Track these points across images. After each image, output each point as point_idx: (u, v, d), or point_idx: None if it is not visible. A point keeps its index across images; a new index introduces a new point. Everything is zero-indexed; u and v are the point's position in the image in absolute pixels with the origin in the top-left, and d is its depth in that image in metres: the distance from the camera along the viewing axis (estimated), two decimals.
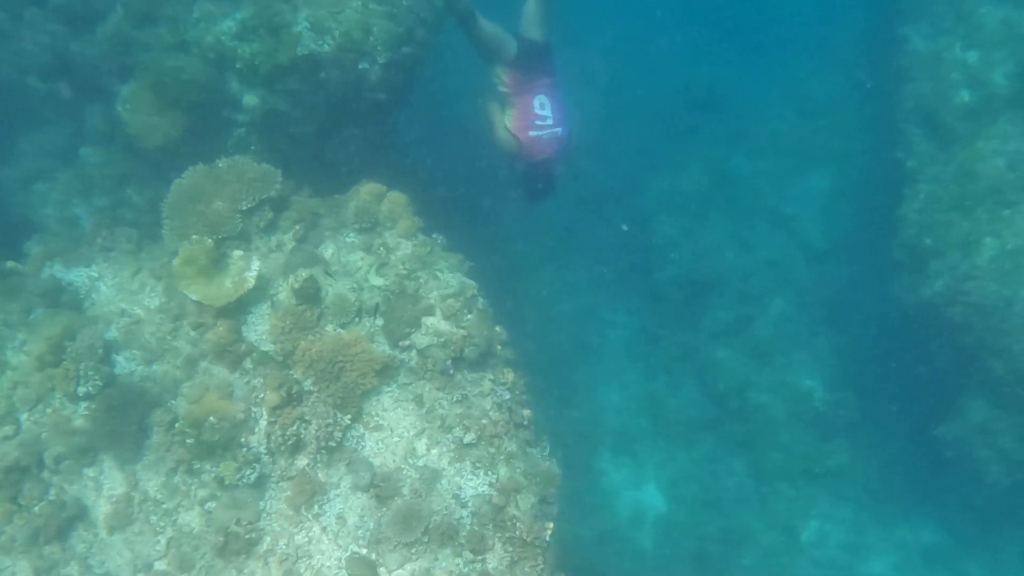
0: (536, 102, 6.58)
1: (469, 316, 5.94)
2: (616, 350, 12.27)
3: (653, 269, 12.33)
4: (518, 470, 5.80)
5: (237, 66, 6.53)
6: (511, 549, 5.46)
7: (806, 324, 11.52)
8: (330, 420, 5.49)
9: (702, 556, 10.56)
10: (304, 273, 5.70)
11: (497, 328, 6.23)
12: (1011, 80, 7.91)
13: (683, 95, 13.82)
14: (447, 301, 5.92)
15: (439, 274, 6.10)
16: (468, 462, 5.66)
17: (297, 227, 6.00)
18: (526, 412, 6.11)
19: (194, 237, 5.64)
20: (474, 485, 5.59)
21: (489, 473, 5.68)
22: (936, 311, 8.00)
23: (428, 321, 5.87)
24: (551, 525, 5.88)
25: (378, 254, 6.06)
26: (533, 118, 6.57)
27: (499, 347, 6.20)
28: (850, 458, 10.50)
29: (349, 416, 5.56)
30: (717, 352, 11.45)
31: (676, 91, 13.82)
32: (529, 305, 11.46)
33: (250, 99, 6.79)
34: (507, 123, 6.64)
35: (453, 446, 5.68)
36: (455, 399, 5.79)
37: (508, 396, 6.00)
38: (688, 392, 11.62)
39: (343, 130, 7.19)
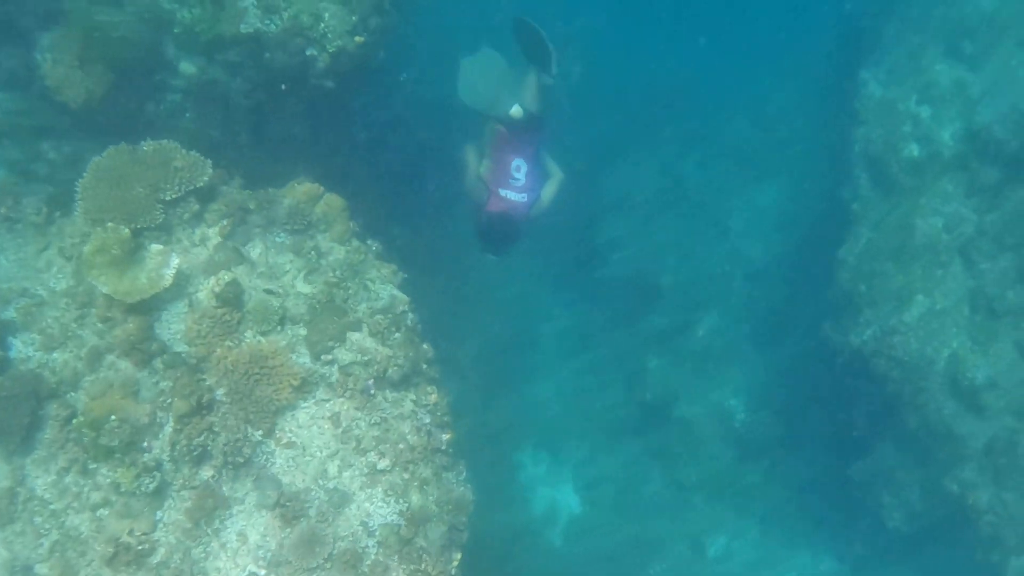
0: (514, 164, 6.71)
1: (397, 335, 5.72)
2: (549, 343, 12.23)
3: (595, 267, 12.26)
4: (431, 498, 5.65)
5: (175, 31, 6.11)
6: None
7: (738, 341, 11.62)
8: (240, 435, 5.23)
9: (611, 559, 10.69)
10: (227, 276, 5.38)
11: (425, 346, 6.03)
12: (957, 141, 7.97)
13: (646, 91, 13.64)
14: (375, 317, 5.68)
15: (370, 284, 5.84)
16: (380, 488, 5.48)
17: (224, 222, 5.64)
18: (445, 436, 5.95)
19: (109, 225, 5.25)
20: (384, 513, 5.42)
21: (400, 501, 5.51)
22: (862, 358, 8.12)
23: (353, 336, 5.62)
24: (459, 556, 5.79)
25: (308, 258, 5.76)
26: (507, 177, 6.71)
27: (425, 366, 6.01)
28: (764, 480, 10.70)
29: (261, 432, 5.30)
30: (648, 359, 11.48)
31: (640, 86, 13.62)
32: (469, 289, 11.25)
33: (187, 67, 6.38)
34: (481, 171, 6.75)
35: (366, 470, 5.48)
36: (373, 421, 5.58)
37: (428, 420, 5.83)
38: (615, 395, 11.65)
39: (285, 114, 6.84)
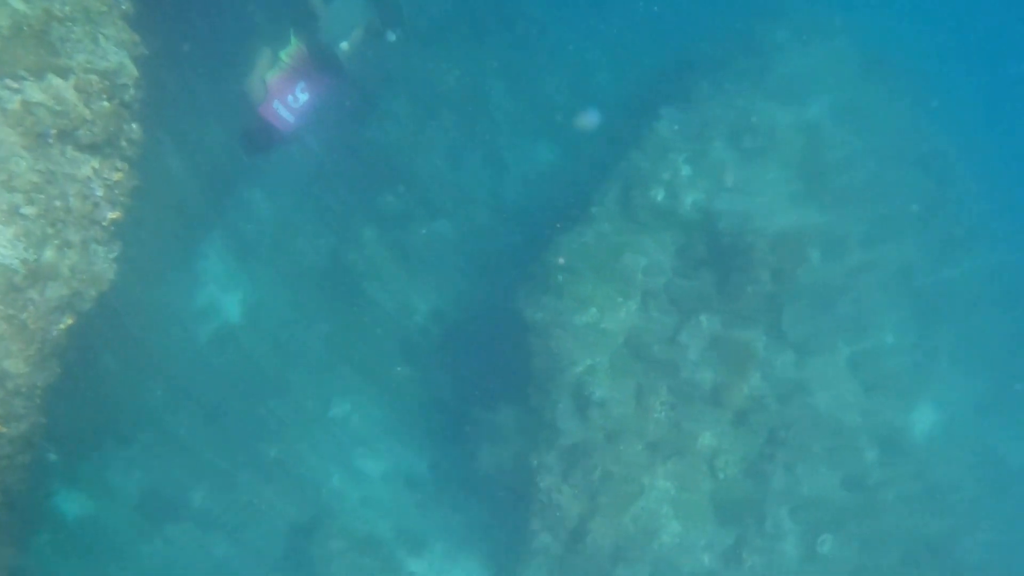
0: (300, 86, 6.93)
1: (105, 103, 5.42)
2: (280, 169, 11.93)
3: (365, 125, 12.06)
4: (66, 262, 5.54)
5: None
6: (6, 327, 5.28)
7: (454, 254, 12.15)
8: None
9: (238, 378, 11.07)
10: None
11: (134, 126, 5.79)
12: (694, 209, 8.99)
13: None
14: (90, 75, 5.33)
15: (102, 41, 5.43)
16: (13, 230, 5.25)
17: None
18: (112, 215, 5.83)
19: None
20: (6, 254, 5.23)
21: (30, 250, 5.34)
22: (528, 331, 9.04)
23: (55, 82, 5.24)
24: (70, 321, 5.79)
25: None
26: (287, 94, 6.89)
27: (125, 144, 5.78)
28: (407, 379, 11.57)
29: None
30: (367, 229, 11.73)
31: None
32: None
33: None
34: (268, 77, 6.86)
35: (6, 208, 5.22)
36: (39, 167, 5.29)
37: (100, 193, 5.66)
38: (322, 242, 11.81)
39: None
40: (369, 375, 11.49)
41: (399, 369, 11.63)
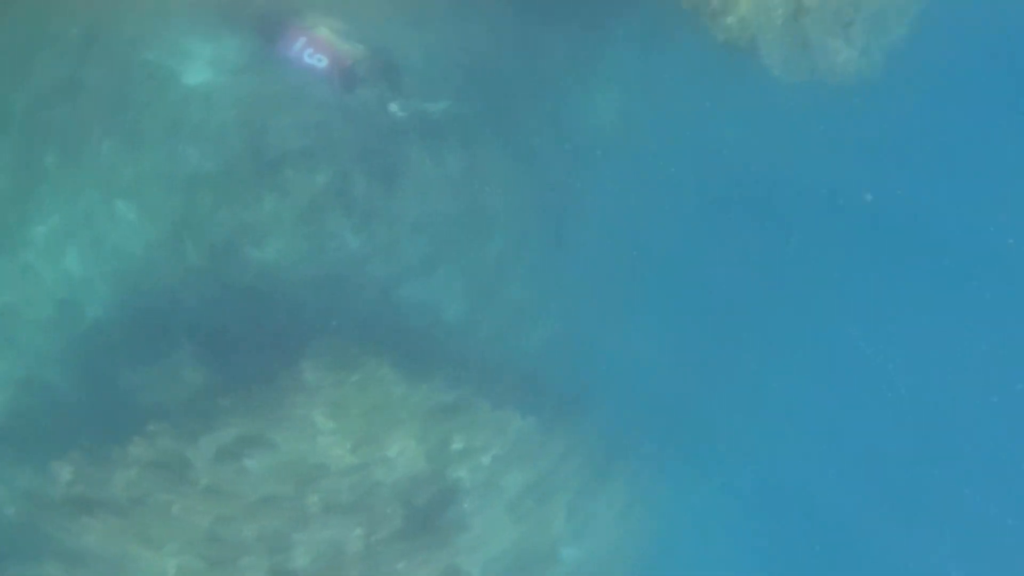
0: (319, 56, 8.09)
1: None
2: None
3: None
4: None
5: None
6: None
7: (349, 265, 11.67)
8: None
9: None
10: None
11: None
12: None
13: None
14: None
15: None
16: None
17: None
18: None
19: None
20: None
21: None
22: (292, 367, 9.01)
23: None
24: None
25: None
26: (311, 48, 8.03)
27: None
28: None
29: None
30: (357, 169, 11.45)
31: None
32: None
33: None
34: (310, 25, 8.02)
35: None
36: None
37: None
38: (308, 122, 11.27)
39: None
40: (194, 230, 10.92)
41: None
